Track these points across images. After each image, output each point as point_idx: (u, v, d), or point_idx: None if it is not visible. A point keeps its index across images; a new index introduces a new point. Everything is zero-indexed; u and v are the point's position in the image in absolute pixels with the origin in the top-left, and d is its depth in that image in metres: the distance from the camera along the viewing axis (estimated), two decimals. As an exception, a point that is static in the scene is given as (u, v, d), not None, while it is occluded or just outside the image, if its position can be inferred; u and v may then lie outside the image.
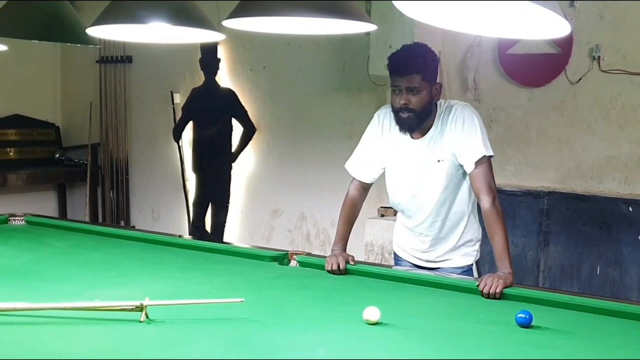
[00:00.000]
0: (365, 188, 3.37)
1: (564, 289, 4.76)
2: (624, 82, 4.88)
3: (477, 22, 2.14)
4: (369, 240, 5.31)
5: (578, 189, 5.04)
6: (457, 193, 3.19)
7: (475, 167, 3.03)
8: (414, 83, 3.03)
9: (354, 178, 3.36)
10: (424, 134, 3.14)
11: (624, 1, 4.81)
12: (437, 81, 3.14)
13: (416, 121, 3.08)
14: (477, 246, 3.33)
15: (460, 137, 3.07)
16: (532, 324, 2.36)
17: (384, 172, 3.33)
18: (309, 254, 3.36)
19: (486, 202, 3.00)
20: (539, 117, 5.22)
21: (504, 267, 2.88)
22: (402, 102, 3.04)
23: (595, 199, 4.89)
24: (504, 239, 2.95)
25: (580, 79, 5.02)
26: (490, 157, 3.07)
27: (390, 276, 3.05)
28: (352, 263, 3.12)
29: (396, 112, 3.10)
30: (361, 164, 3.33)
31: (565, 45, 4.97)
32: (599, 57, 4.92)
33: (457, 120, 3.09)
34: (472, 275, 3.31)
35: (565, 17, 1.85)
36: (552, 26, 1.97)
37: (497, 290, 2.75)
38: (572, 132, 5.10)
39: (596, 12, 4.93)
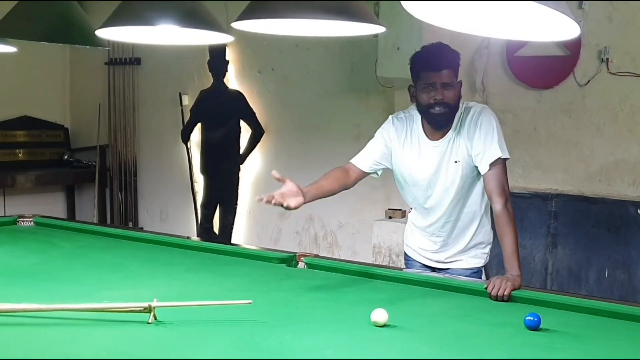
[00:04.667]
0: (354, 173, 3.25)
1: (572, 291, 4.75)
2: (633, 84, 4.87)
3: (485, 24, 2.13)
4: (376, 242, 5.31)
5: (586, 192, 5.03)
6: (470, 194, 3.19)
7: (489, 169, 3.04)
8: (448, 78, 3.05)
9: (350, 162, 3.30)
10: (442, 135, 3.15)
11: (632, 3, 4.80)
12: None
13: (449, 116, 3.09)
14: (487, 249, 3.33)
15: (477, 138, 3.07)
16: (541, 326, 2.35)
17: (382, 171, 3.31)
18: (316, 256, 3.36)
19: (498, 203, 3.00)
20: (548, 119, 5.21)
21: (512, 270, 2.87)
22: (438, 97, 3.04)
23: (604, 201, 4.88)
24: (514, 242, 2.94)
25: (588, 81, 5.01)
26: (505, 159, 3.07)
27: (398, 278, 3.04)
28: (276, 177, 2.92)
29: (428, 108, 3.08)
30: (365, 154, 3.28)
31: (573, 48, 4.96)
32: (607, 59, 4.91)
33: (474, 122, 3.09)
34: (482, 277, 3.31)
35: (574, 19, 1.84)
36: (562, 28, 1.97)
37: (505, 293, 2.74)
38: (580, 134, 5.09)
39: (605, 14, 4.92)
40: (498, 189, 3.02)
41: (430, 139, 3.17)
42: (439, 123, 3.12)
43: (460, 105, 3.16)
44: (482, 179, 3.14)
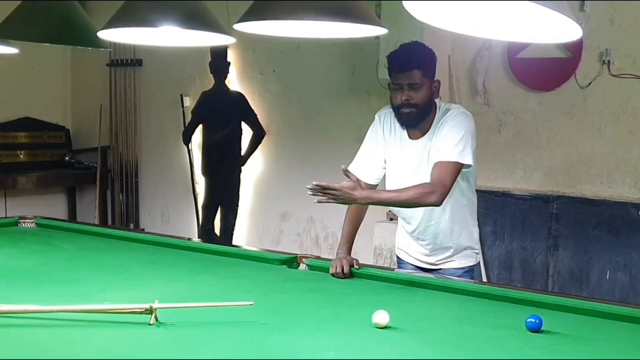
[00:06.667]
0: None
1: (574, 293, 4.74)
2: (634, 86, 4.86)
3: (487, 26, 2.13)
4: (377, 243, 5.31)
5: (587, 193, 5.02)
6: (450, 198, 3.15)
7: (440, 162, 3.01)
8: (415, 79, 3.05)
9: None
10: (422, 134, 3.15)
11: (634, 5, 4.80)
12: (436, 79, 3.15)
13: (418, 117, 3.10)
14: (477, 248, 3.35)
15: (440, 136, 3.06)
16: (542, 328, 2.35)
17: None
18: (317, 258, 3.36)
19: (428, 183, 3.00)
20: (549, 121, 5.21)
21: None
22: (404, 97, 3.06)
23: (605, 203, 4.87)
24: (397, 195, 2.99)
25: (590, 83, 5.00)
26: (461, 165, 3.03)
27: (399, 280, 3.05)
28: (356, 267, 3.10)
29: (397, 109, 3.11)
30: (364, 165, 3.32)
31: (575, 50, 4.96)
32: (609, 61, 4.90)
33: (446, 122, 3.09)
34: (473, 276, 3.32)
35: (576, 21, 1.84)
36: (563, 30, 1.97)
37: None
38: (581, 136, 5.09)
39: (606, 16, 4.92)
40: (436, 180, 2.99)
41: (410, 138, 3.18)
42: (406, 123, 3.14)
43: (441, 105, 3.16)
44: (464, 180, 3.16)
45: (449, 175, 3.00)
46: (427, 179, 3.11)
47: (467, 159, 3.03)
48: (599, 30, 4.91)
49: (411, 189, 2.97)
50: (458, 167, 3.03)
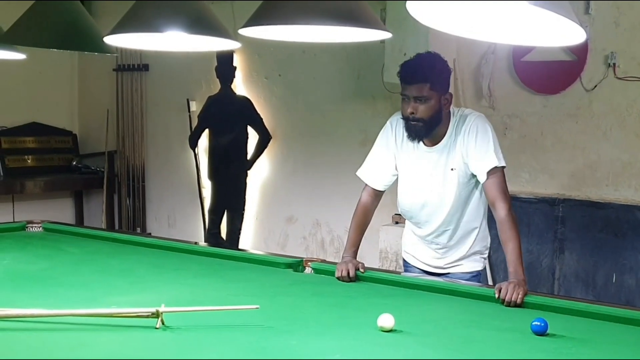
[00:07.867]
0: (377, 195, 3.38)
1: (579, 296, 4.74)
2: (640, 89, 4.87)
3: (491, 30, 2.14)
4: (383, 247, 5.31)
5: (593, 196, 5.02)
6: (468, 203, 3.19)
7: (488, 177, 3.05)
8: (422, 92, 3.05)
9: (366, 185, 3.37)
10: (437, 141, 3.15)
11: (639, 8, 4.79)
12: (449, 91, 3.15)
13: (424, 130, 3.11)
14: (486, 254, 3.36)
15: (473, 147, 3.08)
16: (548, 331, 2.36)
17: (396, 179, 3.34)
18: (323, 261, 3.37)
19: (502, 209, 3.00)
20: (554, 124, 5.21)
21: (518, 274, 2.86)
22: (409, 110, 3.07)
23: (611, 206, 4.87)
24: (519, 247, 2.95)
25: (595, 86, 5.00)
26: (503, 167, 3.08)
27: (405, 283, 3.05)
28: (362, 270, 3.11)
29: (405, 120, 3.13)
30: (374, 171, 3.34)
31: (580, 53, 4.96)
32: (614, 64, 4.90)
33: (470, 131, 3.10)
34: (481, 281, 3.32)
35: (581, 24, 1.85)
36: (568, 33, 1.97)
37: (519, 300, 2.72)
38: (587, 139, 5.08)
39: (611, 19, 4.92)
40: (500, 195, 3.03)
41: (425, 145, 3.18)
42: (412, 135, 3.14)
43: (456, 111, 3.17)
44: (480, 187, 3.16)
45: (503, 182, 3.07)
46: (440, 186, 3.16)
47: (502, 161, 3.09)
48: (604, 33, 4.91)
49: (507, 232, 2.97)
50: (503, 171, 3.09)
